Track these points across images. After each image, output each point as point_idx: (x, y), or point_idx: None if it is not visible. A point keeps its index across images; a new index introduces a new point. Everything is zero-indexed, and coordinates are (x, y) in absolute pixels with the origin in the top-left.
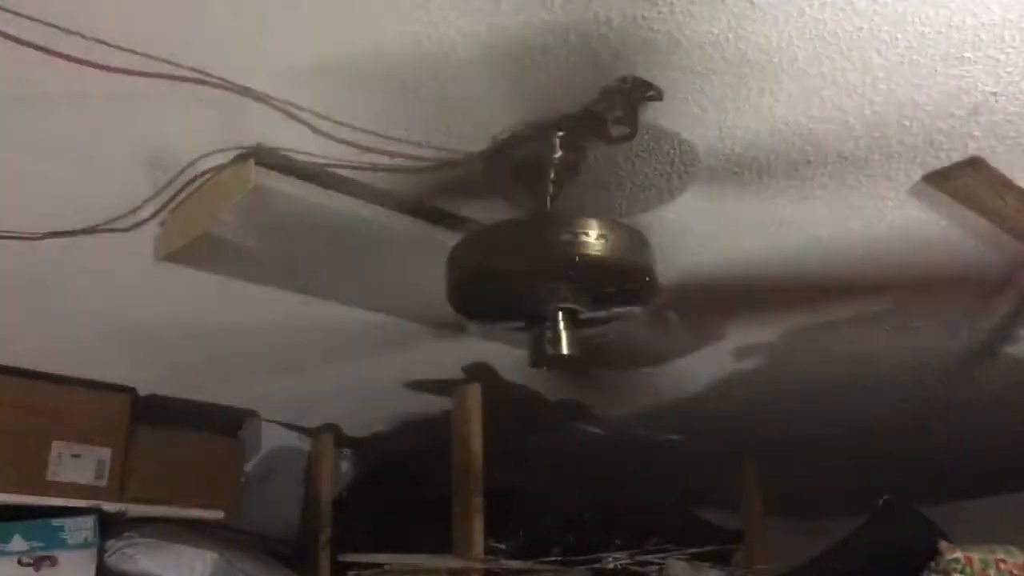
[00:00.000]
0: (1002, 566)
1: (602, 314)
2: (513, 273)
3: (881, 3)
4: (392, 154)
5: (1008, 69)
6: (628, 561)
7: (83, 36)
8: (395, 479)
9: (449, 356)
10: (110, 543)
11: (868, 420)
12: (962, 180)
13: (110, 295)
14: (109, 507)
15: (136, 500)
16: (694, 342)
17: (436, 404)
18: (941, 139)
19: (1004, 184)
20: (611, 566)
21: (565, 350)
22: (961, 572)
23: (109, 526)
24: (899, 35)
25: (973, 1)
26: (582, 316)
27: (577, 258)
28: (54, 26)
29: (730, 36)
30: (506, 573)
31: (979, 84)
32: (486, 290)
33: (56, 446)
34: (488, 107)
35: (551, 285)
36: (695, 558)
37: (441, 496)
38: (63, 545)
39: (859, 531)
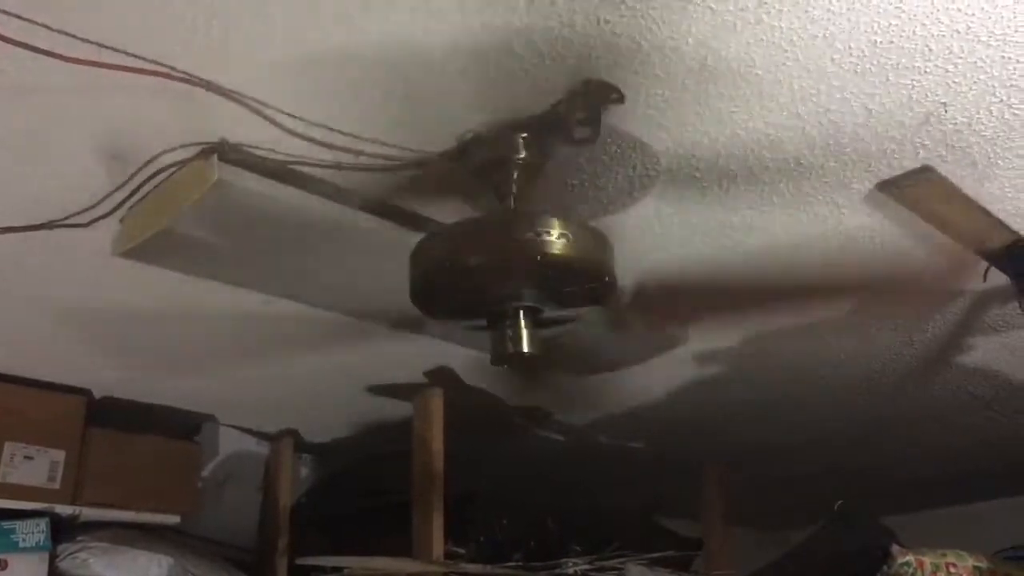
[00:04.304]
0: (952, 569)
1: (563, 313)
2: (475, 270)
3: (835, 12)
4: (357, 152)
5: (957, 79)
6: (588, 567)
7: (48, 28)
8: (355, 484)
9: (411, 360)
10: (63, 547)
11: (826, 430)
12: (913, 188)
13: (67, 293)
14: (62, 510)
15: (90, 503)
16: (654, 345)
17: (397, 409)
18: (893, 147)
19: (953, 193)
20: (571, 571)
21: (526, 348)
22: (912, 575)
23: (62, 529)
24: (852, 44)
25: (923, 12)
26: (543, 315)
27: (538, 256)
28: (16, 16)
29: (690, 41)
30: None
31: (929, 94)
32: (448, 288)
33: (9, 447)
34: (452, 107)
35: (512, 283)
36: (654, 564)
37: (401, 501)
38: (14, 548)
39: (814, 536)
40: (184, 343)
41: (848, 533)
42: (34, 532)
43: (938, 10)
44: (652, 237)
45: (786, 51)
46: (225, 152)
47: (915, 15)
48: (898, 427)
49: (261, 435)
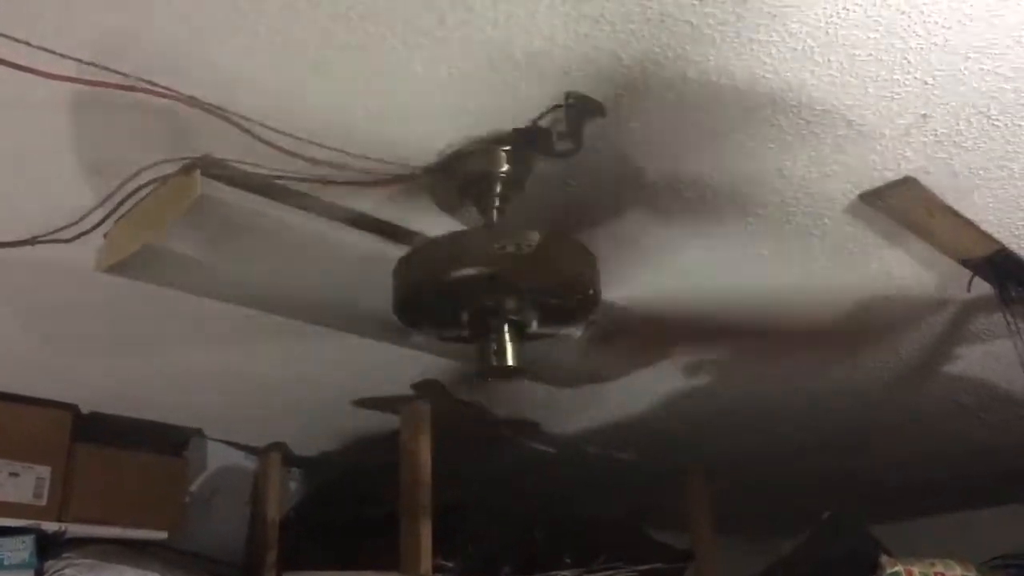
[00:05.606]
0: None
1: (547, 326)
2: (458, 284)
3: (813, 26)
4: (340, 167)
5: (936, 92)
6: None
7: (29, 44)
8: (343, 498)
9: (398, 372)
10: (49, 564)
11: (815, 438)
12: (896, 200)
13: (51, 308)
14: (48, 527)
15: (76, 520)
16: (641, 359)
17: (385, 422)
18: (875, 159)
19: (936, 204)
20: None
21: (510, 361)
22: None
23: (48, 546)
24: (831, 57)
25: (901, 26)
26: (527, 328)
27: (521, 270)
28: None
29: (669, 55)
30: None
31: (910, 106)
32: (432, 302)
33: None
34: (435, 121)
35: (496, 297)
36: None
37: (389, 514)
38: None
39: (803, 546)
40: (170, 357)
41: (837, 542)
42: (19, 549)
43: (915, 24)
44: (636, 251)
45: (765, 64)
46: (208, 167)
47: (893, 29)
48: (887, 436)
49: (249, 449)
